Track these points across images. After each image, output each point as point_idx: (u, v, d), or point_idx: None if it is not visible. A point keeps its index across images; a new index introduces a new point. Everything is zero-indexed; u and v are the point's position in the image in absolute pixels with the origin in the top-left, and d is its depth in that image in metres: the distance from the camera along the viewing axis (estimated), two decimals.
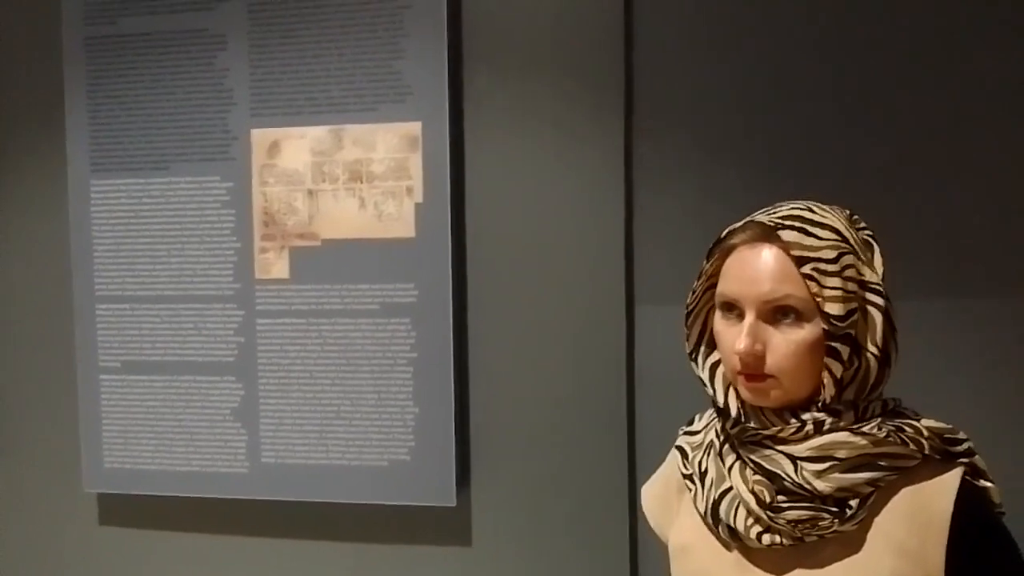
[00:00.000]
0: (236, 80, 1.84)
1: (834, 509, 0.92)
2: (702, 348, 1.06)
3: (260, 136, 1.84)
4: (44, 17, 1.95)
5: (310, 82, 1.81)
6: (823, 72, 1.68)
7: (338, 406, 1.83)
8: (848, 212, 1.01)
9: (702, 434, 1.10)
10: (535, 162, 1.78)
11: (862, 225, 1.01)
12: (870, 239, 1.00)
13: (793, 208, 0.98)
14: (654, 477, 1.20)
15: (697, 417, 1.15)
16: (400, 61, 1.77)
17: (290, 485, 1.86)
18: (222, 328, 1.87)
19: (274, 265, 1.84)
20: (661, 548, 1.15)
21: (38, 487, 2.04)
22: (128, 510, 1.99)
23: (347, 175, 1.80)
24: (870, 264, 0.97)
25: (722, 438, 1.03)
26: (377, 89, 1.78)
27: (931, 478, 0.93)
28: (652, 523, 1.17)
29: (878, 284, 0.96)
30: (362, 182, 1.80)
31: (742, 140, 1.71)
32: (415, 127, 1.77)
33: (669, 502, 1.14)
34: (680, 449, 1.11)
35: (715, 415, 1.06)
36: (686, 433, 1.13)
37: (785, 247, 0.93)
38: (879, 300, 0.95)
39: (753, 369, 0.94)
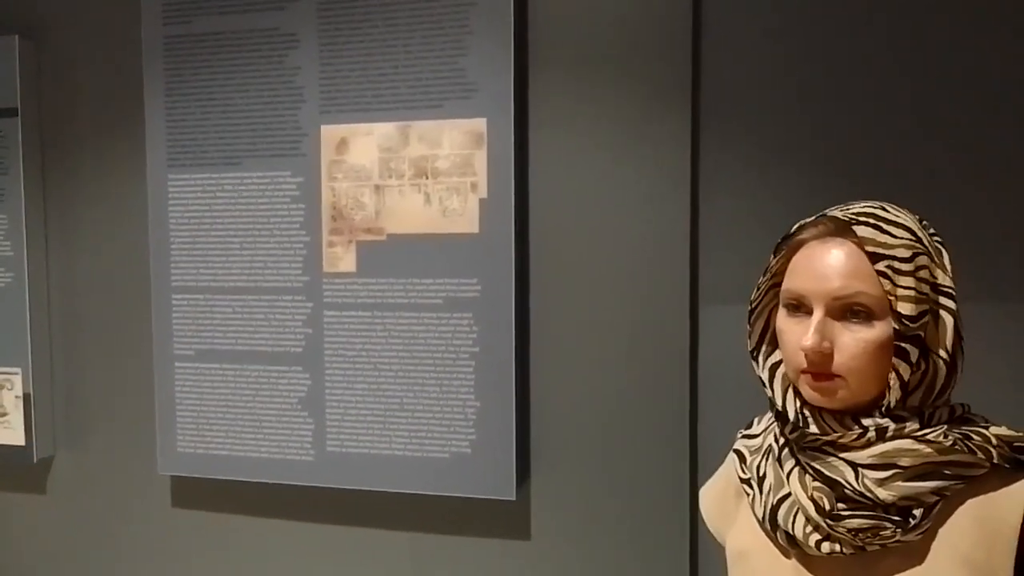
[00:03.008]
0: (306, 78, 1.88)
1: (897, 518, 0.89)
2: (763, 347, 1.05)
3: (329, 132, 1.87)
4: (124, 17, 2.03)
5: (377, 79, 1.84)
6: (894, 74, 1.63)
7: (401, 398, 1.86)
8: (918, 217, 0.98)
9: (760, 437, 1.08)
10: (600, 159, 1.77)
11: (932, 231, 0.98)
12: (940, 246, 0.97)
13: (866, 206, 0.96)
14: (712, 479, 1.19)
15: (756, 420, 1.14)
16: (466, 58, 1.79)
17: (353, 474, 1.90)
18: (291, 319, 1.92)
19: (341, 259, 1.88)
20: (719, 550, 1.14)
21: (115, 469, 2.13)
22: (199, 493, 2.06)
23: (413, 171, 1.83)
24: (942, 267, 0.94)
25: (780, 442, 1.01)
26: (443, 86, 1.80)
27: (1000, 488, 0.90)
28: (710, 526, 1.16)
29: (950, 288, 0.93)
30: (427, 178, 1.82)
31: (809, 140, 1.67)
32: (480, 123, 1.78)
33: (727, 505, 1.13)
34: (738, 453, 1.10)
35: (774, 418, 1.05)
36: (744, 436, 1.12)
37: (859, 243, 0.91)
38: (951, 304, 0.92)
39: (819, 368, 0.92)
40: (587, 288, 1.79)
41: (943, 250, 0.96)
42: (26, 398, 2.10)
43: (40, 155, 2.12)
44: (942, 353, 0.92)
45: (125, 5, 2.03)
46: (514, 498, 1.81)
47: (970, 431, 0.91)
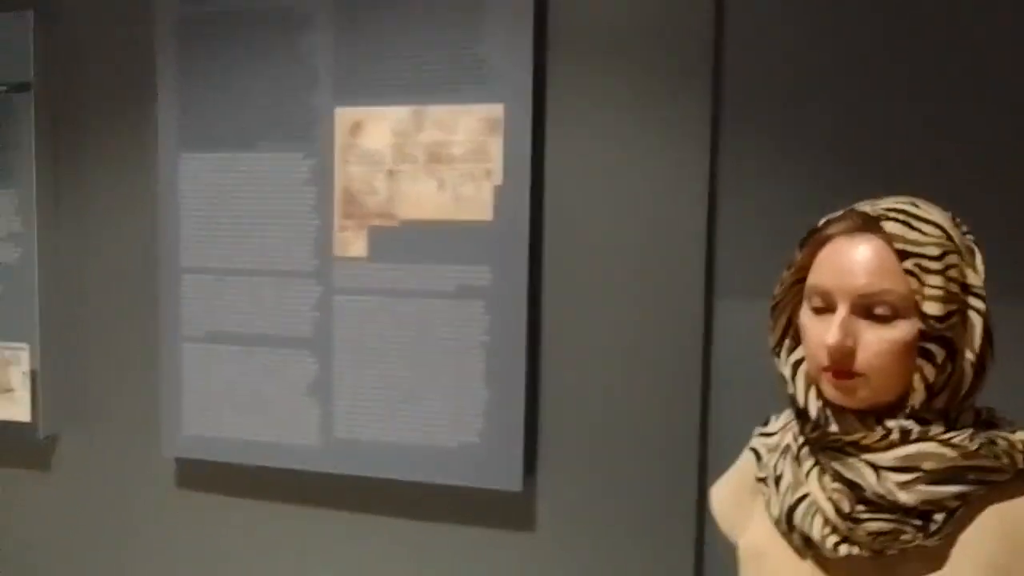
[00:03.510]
0: (321, 60, 1.86)
1: (917, 522, 0.87)
2: (786, 343, 1.03)
3: (343, 116, 1.85)
4: None
5: (393, 63, 1.81)
6: (921, 66, 1.60)
7: (410, 385, 1.85)
8: (951, 214, 0.95)
9: (778, 436, 1.06)
10: (617, 149, 1.75)
11: (965, 229, 0.95)
12: (973, 244, 0.94)
13: (897, 201, 0.93)
14: (725, 477, 1.17)
15: (773, 417, 1.12)
16: (483, 43, 1.76)
17: (360, 460, 1.89)
18: (300, 303, 1.91)
19: (353, 243, 1.86)
20: (728, 548, 1.12)
21: (120, 449, 2.12)
22: (204, 476, 2.05)
23: (427, 156, 1.81)
24: (973, 267, 0.91)
25: (800, 441, 0.99)
26: (460, 71, 1.77)
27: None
28: (722, 524, 1.14)
29: (980, 288, 0.90)
30: (442, 164, 1.80)
31: (830, 134, 1.64)
32: (497, 109, 1.76)
33: (741, 504, 1.11)
34: (754, 451, 1.08)
35: (793, 416, 1.03)
36: (761, 434, 1.10)
37: (888, 239, 0.89)
38: (980, 305, 0.90)
39: (842, 365, 0.90)
40: (600, 279, 1.77)
41: (975, 249, 0.93)
42: (33, 374, 2.09)
43: (52, 131, 2.11)
44: (969, 355, 0.90)
45: None
46: (520, 489, 1.80)
47: (995, 436, 0.89)
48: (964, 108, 1.58)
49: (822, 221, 0.97)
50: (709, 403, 1.75)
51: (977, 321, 0.90)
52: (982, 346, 0.90)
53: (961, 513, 0.88)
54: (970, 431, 0.89)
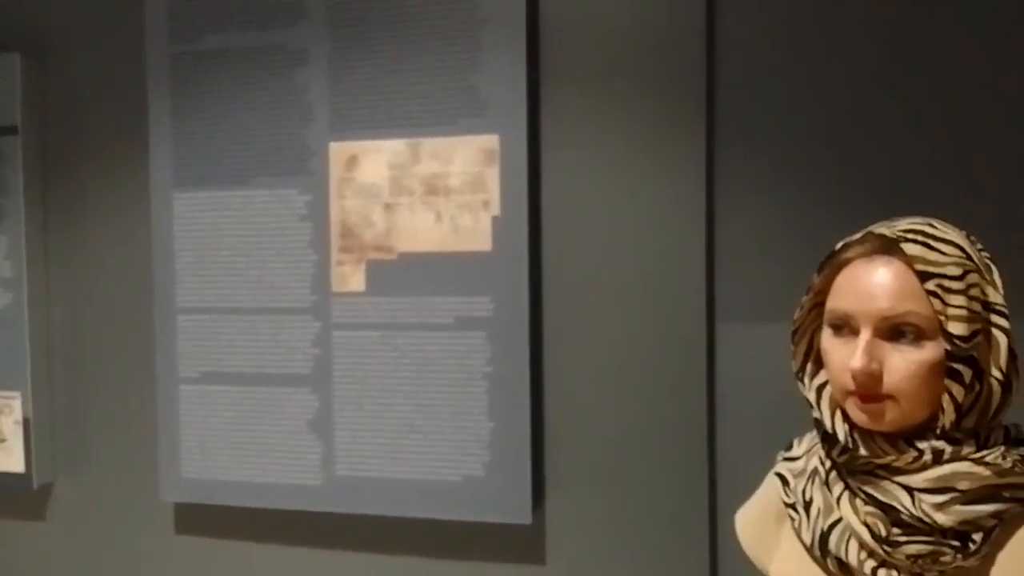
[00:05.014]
0: (316, 95, 1.85)
1: (955, 543, 0.87)
2: (808, 367, 1.02)
3: (338, 150, 1.84)
4: (130, 33, 2.00)
5: (388, 96, 1.81)
6: (915, 92, 1.62)
7: (412, 419, 1.83)
8: (965, 233, 0.96)
9: (803, 460, 1.05)
10: (613, 176, 1.75)
11: (980, 247, 0.96)
12: (989, 262, 0.94)
13: (913, 223, 0.93)
14: (749, 504, 1.16)
15: (796, 441, 1.11)
16: (478, 75, 1.76)
17: (363, 498, 1.86)
18: (299, 340, 1.88)
19: (351, 278, 1.85)
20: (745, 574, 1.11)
21: (117, 495, 2.07)
22: (204, 520, 2.01)
23: (424, 188, 1.80)
24: (993, 285, 0.92)
25: (827, 465, 0.98)
26: (455, 103, 1.78)
27: None
28: (748, 552, 1.12)
29: (1002, 306, 0.90)
30: (439, 195, 1.79)
31: (826, 156, 1.66)
32: (492, 140, 1.76)
33: (767, 531, 1.10)
34: (780, 476, 1.07)
35: (817, 440, 1.02)
36: (786, 459, 1.09)
37: (908, 261, 0.89)
38: (1004, 322, 0.90)
39: (868, 389, 0.89)
40: (601, 307, 1.77)
41: (992, 266, 0.94)
42: (26, 423, 2.05)
43: (42, 174, 2.08)
44: (996, 373, 0.90)
45: (130, 22, 2.00)
46: (529, 522, 1.77)
47: None
48: (962, 126, 1.60)
49: (840, 244, 0.97)
50: (715, 427, 1.74)
51: (1001, 338, 0.90)
52: (1007, 363, 0.90)
53: (998, 532, 0.87)
54: (1002, 449, 0.88)
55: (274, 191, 1.89)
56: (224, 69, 1.90)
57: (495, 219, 1.77)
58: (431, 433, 1.82)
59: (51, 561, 2.13)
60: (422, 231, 1.81)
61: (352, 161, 1.84)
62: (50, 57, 2.08)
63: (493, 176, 1.77)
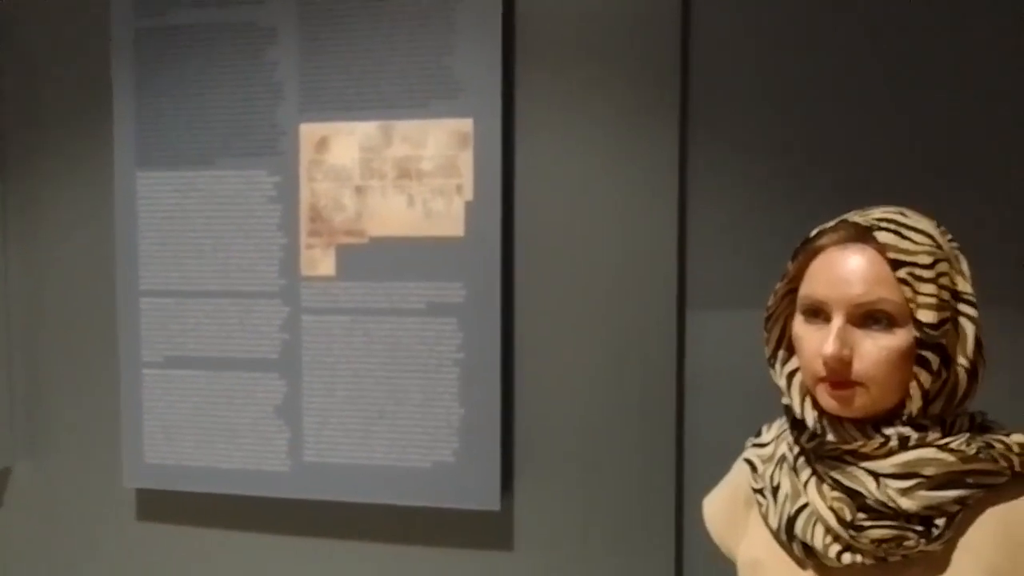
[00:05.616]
0: (285, 74, 1.82)
1: (919, 528, 0.87)
2: (780, 353, 1.02)
3: (309, 131, 1.82)
4: (94, 8, 1.95)
5: (360, 77, 1.79)
6: (884, 81, 1.63)
7: (382, 405, 1.81)
8: (936, 222, 0.96)
9: (772, 446, 1.06)
10: (587, 162, 1.74)
11: (950, 236, 0.96)
12: (958, 252, 0.95)
13: (886, 211, 0.94)
14: (717, 490, 1.16)
15: (765, 428, 1.11)
16: (452, 57, 1.74)
17: (331, 485, 1.84)
18: (267, 324, 1.86)
19: (320, 262, 1.82)
20: (711, 561, 1.12)
21: (77, 481, 2.03)
22: (166, 506, 1.98)
23: (396, 172, 1.78)
24: (961, 274, 0.92)
25: (796, 451, 0.99)
26: (428, 85, 1.75)
27: (1022, 496, 0.89)
28: (716, 538, 1.13)
29: (971, 295, 0.91)
30: (411, 179, 1.77)
31: (798, 144, 1.67)
32: (466, 124, 1.74)
33: (735, 516, 1.10)
34: (749, 461, 1.07)
35: (786, 426, 1.02)
36: (755, 445, 1.09)
37: (880, 249, 0.89)
38: (971, 311, 0.91)
39: (838, 375, 0.89)
40: (574, 293, 1.76)
41: (961, 256, 0.95)
42: None
43: (0, 150, 2.03)
44: (963, 361, 0.90)
45: None
46: (498, 508, 1.77)
47: (992, 439, 0.89)
48: (932, 114, 1.61)
49: (814, 232, 0.97)
50: (684, 415, 1.75)
51: (969, 327, 0.91)
52: (974, 352, 0.91)
53: (961, 517, 0.88)
54: (967, 436, 0.89)
55: (242, 172, 1.85)
56: (191, 45, 1.86)
57: (468, 204, 1.76)
58: (401, 419, 1.80)
59: (9, 548, 2.08)
60: (394, 215, 1.79)
61: (322, 143, 1.81)
62: (12, 30, 2.02)
63: (466, 160, 1.75)
